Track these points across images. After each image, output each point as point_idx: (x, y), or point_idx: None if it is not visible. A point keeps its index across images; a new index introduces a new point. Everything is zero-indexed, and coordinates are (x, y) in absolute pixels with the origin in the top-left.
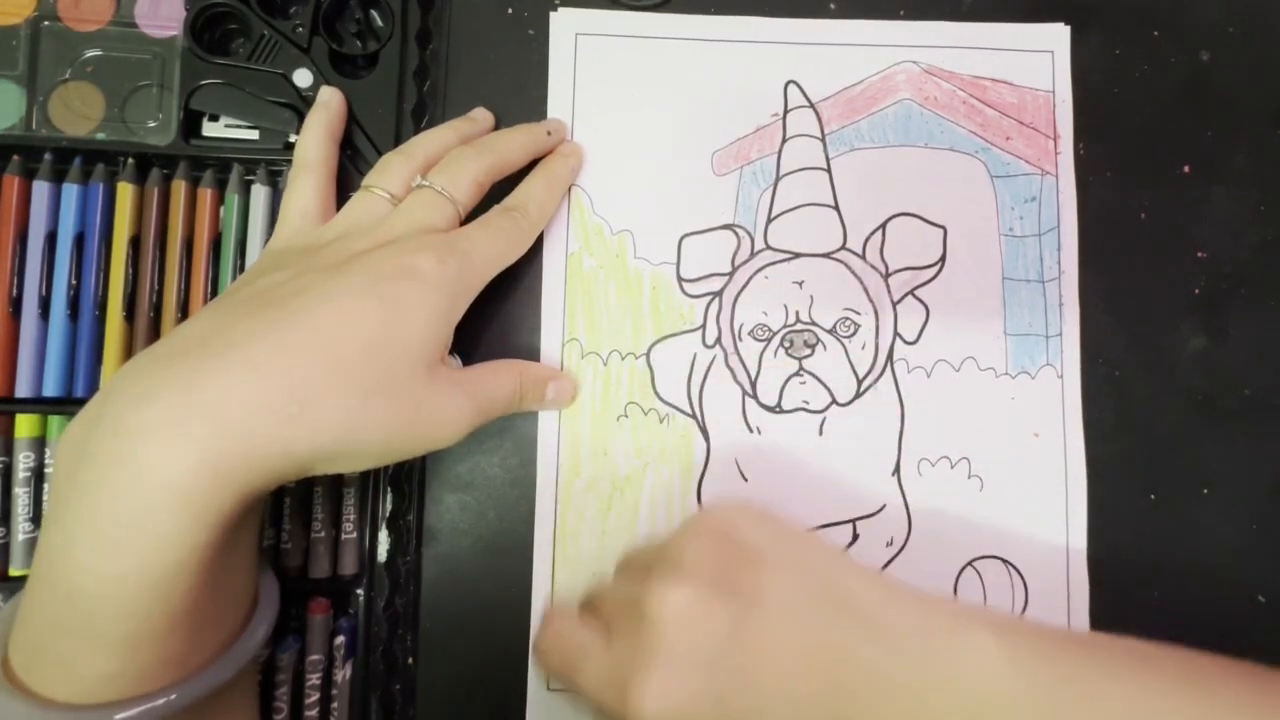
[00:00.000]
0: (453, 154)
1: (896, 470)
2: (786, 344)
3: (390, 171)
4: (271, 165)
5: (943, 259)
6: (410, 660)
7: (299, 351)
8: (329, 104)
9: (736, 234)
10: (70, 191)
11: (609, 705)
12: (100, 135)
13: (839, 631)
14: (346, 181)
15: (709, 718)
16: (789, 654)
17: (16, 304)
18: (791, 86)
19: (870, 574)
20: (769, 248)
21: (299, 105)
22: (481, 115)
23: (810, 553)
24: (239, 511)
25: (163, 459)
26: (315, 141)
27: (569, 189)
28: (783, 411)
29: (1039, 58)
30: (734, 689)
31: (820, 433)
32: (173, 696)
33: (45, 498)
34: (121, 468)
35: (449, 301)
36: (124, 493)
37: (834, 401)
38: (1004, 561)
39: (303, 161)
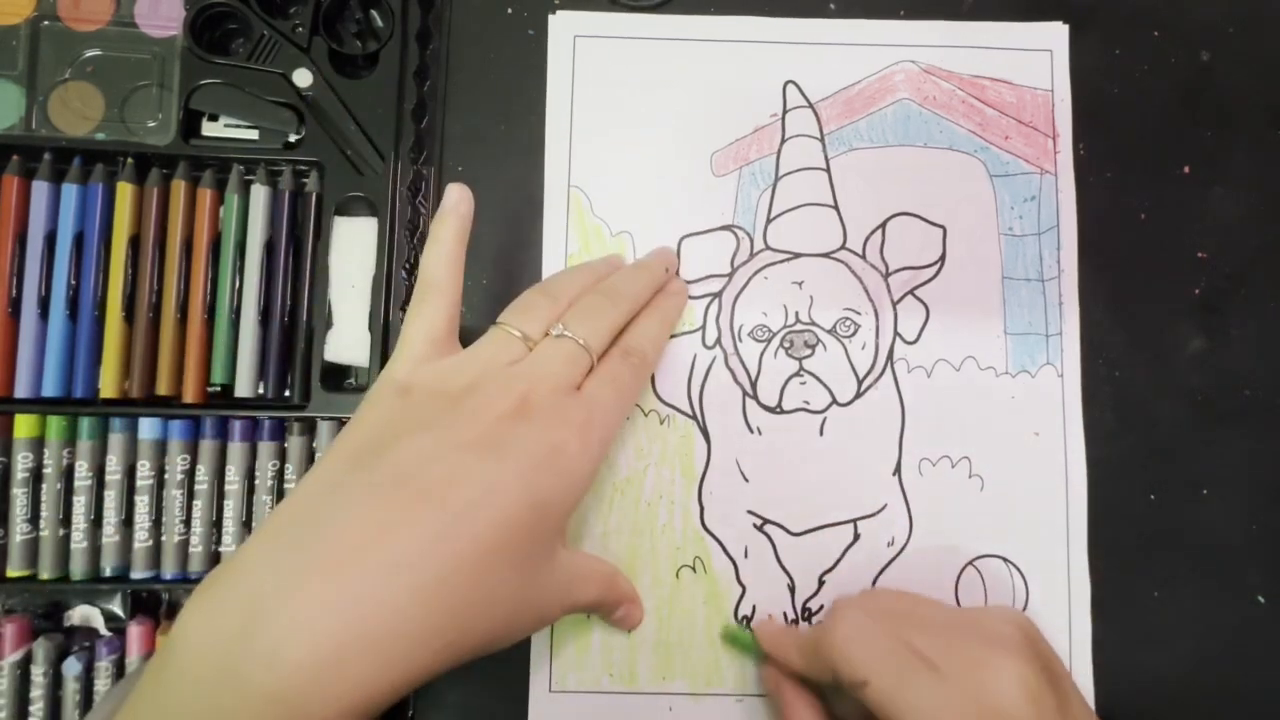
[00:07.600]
0: (593, 304)
1: (897, 470)
2: (786, 344)
3: (532, 314)
4: (271, 165)
5: (942, 258)
6: None
7: (456, 567)
8: (458, 209)
9: (736, 234)
10: (70, 191)
11: None
12: (100, 135)
13: None
14: (347, 181)
15: None
16: None
17: (16, 304)
18: (790, 86)
19: None
20: (768, 248)
21: (299, 105)
22: (616, 260)
23: None
24: None
25: (319, 701)
26: (446, 258)
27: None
28: (783, 412)
29: (1038, 57)
30: None
31: (821, 433)
32: None
33: (43, 498)
34: (275, 705)
35: (586, 485)
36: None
37: (834, 401)
38: (1005, 561)
39: (430, 281)
